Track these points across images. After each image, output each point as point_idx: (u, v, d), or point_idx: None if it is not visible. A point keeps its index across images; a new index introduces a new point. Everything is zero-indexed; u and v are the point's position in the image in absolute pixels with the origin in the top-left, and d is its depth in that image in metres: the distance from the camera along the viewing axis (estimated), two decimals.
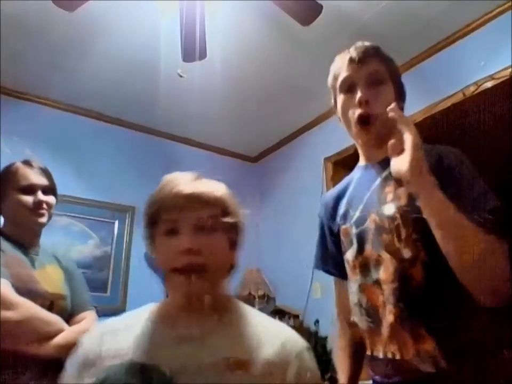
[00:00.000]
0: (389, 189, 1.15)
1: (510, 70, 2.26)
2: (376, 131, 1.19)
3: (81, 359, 0.90)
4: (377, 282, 1.12)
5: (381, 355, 1.11)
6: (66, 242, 2.88)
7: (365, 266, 1.16)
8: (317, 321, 3.09)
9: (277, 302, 3.53)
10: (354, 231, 1.20)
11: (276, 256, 3.62)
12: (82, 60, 2.75)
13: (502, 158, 2.81)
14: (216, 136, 3.74)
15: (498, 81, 2.31)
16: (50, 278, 1.57)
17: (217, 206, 0.92)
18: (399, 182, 1.08)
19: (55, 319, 1.44)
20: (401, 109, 1.22)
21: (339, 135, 3.21)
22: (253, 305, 3.45)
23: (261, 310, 3.52)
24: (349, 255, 1.22)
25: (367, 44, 1.28)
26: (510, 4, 2.32)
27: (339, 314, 1.39)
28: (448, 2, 2.34)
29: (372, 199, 1.18)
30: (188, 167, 3.53)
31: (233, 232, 0.96)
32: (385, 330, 1.10)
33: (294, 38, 2.58)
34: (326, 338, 3.01)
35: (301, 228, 3.44)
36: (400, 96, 1.25)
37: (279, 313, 3.38)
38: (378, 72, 1.21)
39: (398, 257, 1.09)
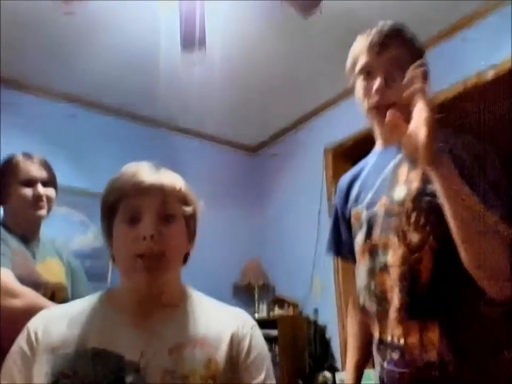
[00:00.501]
0: (402, 172, 1.13)
1: (511, 62, 2.26)
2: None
3: (28, 346, 0.87)
4: (385, 267, 1.11)
5: (389, 339, 1.10)
6: (66, 232, 2.89)
7: (373, 250, 1.15)
8: (316, 311, 3.11)
9: (277, 292, 3.55)
10: (365, 214, 1.19)
11: (277, 246, 3.63)
12: (82, 52, 2.73)
13: (502, 158, 2.80)
14: (217, 127, 3.73)
15: (500, 73, 2.30)
16: (51, 270, 1.58)
17: (178, 196, 0.93)
18: (412, 163, 1.07)
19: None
20: (425, 77, 1.15)
21: (339, 125, 3.25)
22: (253, 294, 3.48)
23: (260, 299, 3.57)
24: (359, 238, 1.21)
25: (389, 24, 1.20)
26: None
27: (353, 300, 1.38)
28: None
29: (384, 183, 1.17)
30: (188, 158, 3.58)
31: (191, 222, 0.98)
32: (392, 314, 1.09)
33: (294, 30, 2.57)
34: (325, 327, 3.04)
35: (301, 217, 3.45)
36: (424, 79, 1.17)
37: (278, 302, 3.41)
38: (399, 58, 1.15)
39: (405, 241, 1.07)
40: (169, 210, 0.91)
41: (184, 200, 0.95)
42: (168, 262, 0.90)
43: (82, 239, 3.00)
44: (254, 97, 3.30)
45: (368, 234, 1.17)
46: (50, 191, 1.63)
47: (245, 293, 3.54)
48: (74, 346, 0.85)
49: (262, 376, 0.92)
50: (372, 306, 1.17)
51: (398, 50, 1.16)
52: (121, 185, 0.92)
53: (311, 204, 3.35)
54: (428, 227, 1.05)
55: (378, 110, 1.16)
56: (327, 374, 2.85)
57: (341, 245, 1.36)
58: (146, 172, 0.92)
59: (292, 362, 3.03)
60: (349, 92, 3.14)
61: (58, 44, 2.68)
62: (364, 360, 1.33)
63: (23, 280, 1.43)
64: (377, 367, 1.16)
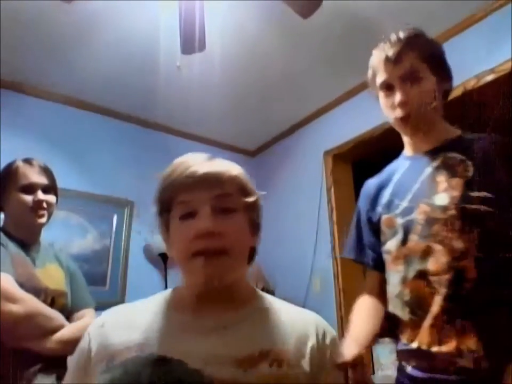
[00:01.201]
0: (441, 178, 1.14)
1: (510, 63, 2.25)
2: (416, 125, 1.22)
3: (87, 354, 0.83)
4: (422, 274, 1.11)
5: (420, 346, 1.10)
6: (65, 236, 2.87)
7: (408, 257, 1.15)
8: None
9: (276, 296, 3.53)
10: (399, 221, 1.19)
11: (276, 250, 3.62)
12: (81, 53, 2.73)
13: None
14: (215, 130, 3.73)
15: (499, 74, 2.30)
16: (51, 276, 1.58)
17: (235, 185, 0.87)
18: (452, 171, 1.11)
19: (56, 315, 1.45)
20: (448, 89, 1.26)
21: (339, 129, 3.24)
22: None
23: None
24: (391, 245, 1.21)
25: (404, 34, 1.24)
26: None
27: (369, 287, 1.34)
28: None
29: (422, 190, 1.17)
30: None
31: (253, 213, 0.90)
32: (427, 321, 1.09)
33: (294, 31, 2.57)
34: None
35: (300, 220, 3.44)
36: (442, 80, 1.24)
37: None
38: (415, 69, 1.20)
39: (449, 248, 1.08)
40: (228, 202, 0.84)
41: (243, 190, 0.88)
42: (230, 259, 0.82)
43: (82, 242, 2.98)
44: (253, 100, 3.29)
45: (404, 241, 1.17)
46: (50, 198, 1.62)
47: None
48: (135, 353, 0.78)
49: None
50: (404, 314, 1.16)
51: (413, 62, 1.20)
52: (174, 179, 0.84)
53: (311, 207, 3.34)
54: (472, 235, 1.06)
55: (403, 121, 1.22)
56: None
57: (363, 250, 1.36)
58: (199, 162, 0.86)
59: None
60: (349, 94, 3.17)
61: (58, 45, 2.67)
62: (373, 338, 1.25)
63: (23, 286, 1.42)
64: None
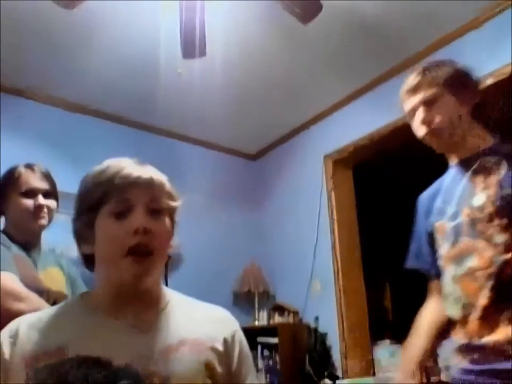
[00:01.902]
0: (478, 180, 1.27)
1: (510, 67, 2.26)
2: (443, 140, 1.37)
3: (2, 362, 0.81)
4: (470, 271, 1.22)
5: (472, 341, 1.20)
6: (65, 239, 2.86)
7: (458, 257, 1.27)
8: (316, 318, 3.09)
9: (276, 299, 3.54)
10: (449, 225, 1.31)
11: (276, 253, 3.62)
12: (81, 58, 2.74)
13: None
14: (216, 134, 3.73)
15: (499, 78, 2.31)
16: (53, 279, 1.60)
17: (164, 190, 0.91)
18: (487, 172, 1.24)
19: None
20: (478, 102, 1.40)
21: (339, 133, 3.25)
22: (252, 301, 3.47)
23: (260, 306, 3.55)
24: (444, 250, 1.32)
25: (422, 66, 1.46)
26: (510, 1, 2.32)
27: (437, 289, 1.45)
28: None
29: (464, 193, 1.30)
30: (187, 165, 3.57)
31: (173, 217, 0.95)
32: (476, 314, 1.19)
33: (294, 36, 2.58)
34: (325, 334, 3.02)
35: (301, 224, 3.45)
36: (465, 97, 1.38)
37: (278, 310, 3.39)
38: (431, 95, 1.37)
39: (491, 243, 1.19)
40: (158, 204, 0.89)
41: (170, 195, 0.92)
42: (157, 258, 0.87)
43: None
44: (253, 103, 3.30)
45: (454, 243, 1.29)
46: (51, 202, 1.65)
47: (244, 300, 3.52)
48: (57, 356, 0.80)
49: (253, 379, 0.96)
50: (456, 312, 1.27)
51: (428, 90, 1.38)
52: (107, 178, 0.87)
53: (311, 210, 3.35)
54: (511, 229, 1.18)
55: (426, 137, 1.40)
56: (328, 382, 2.83)
57: (420, 258, 1.47)
58: (133, 166, 0.90)
59: (292, 370, 3.01)
60: (349, 98, 3.18)
61: (59, 50, 2.68)
62: (432, 348, 1.45)
63: (27, 287, 1.44)
64: (450, 371, 1.28)
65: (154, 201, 0.88)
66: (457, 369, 1.25)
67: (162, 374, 0.81)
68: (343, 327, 2.91)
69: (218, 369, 0.87)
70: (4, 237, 1.55)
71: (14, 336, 0.84)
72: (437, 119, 1.35)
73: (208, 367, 0.86)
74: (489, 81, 2.32)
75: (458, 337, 1.26)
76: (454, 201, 1.32)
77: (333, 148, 3.29)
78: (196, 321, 0.92)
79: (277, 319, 3.33)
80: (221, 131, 3.68)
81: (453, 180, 1.39)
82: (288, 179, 3.69)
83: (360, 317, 3.01)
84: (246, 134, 3.75)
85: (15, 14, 2.36)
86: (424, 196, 1.51)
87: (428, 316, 1.45)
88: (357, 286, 3.09)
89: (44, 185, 1.63)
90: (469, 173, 1.32)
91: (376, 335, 3.05)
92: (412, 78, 1.44)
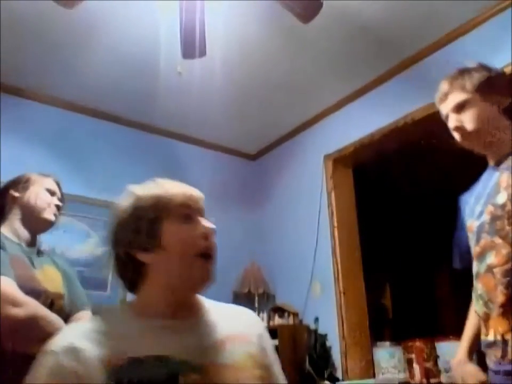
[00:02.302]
0: (503, 179, 1.31)
1: (510, 67, 2.26)
2: (478, 143, 1.42)
3: (73, 375, 0.83)
4: (489, 268, 1.27)
5: (493, 338, 1.24)
6: (66, 241, 2.88)
7: (480, 255, 1.31)
8: (316, 319, 3.09)
9: (276, 300, 3.53)
10: (476, 223, 1.36)
11: (276, 254, 3.62)
12: (82, 58, 2.74)
13: None
14: (216, 134, 3.73)
15: None
16: (50, 278, 1.60)
17: (203, 203, 1.04)
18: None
19: (55, 318, 1.46)
20: (504, 97, 1.42)
21: (339, 133, 3.25)
22: (252, 302, 3.46)
23: (260, 307, 3.54)
24: (473, 247, 1.37)
25: (451, 74, 1.49)
26: (510, 1, 2.32)
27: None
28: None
29: (490, 192, 1.35)
30: (188, 165, 3.55)
31: None
32: (496, 311, 1.23)
33: (294, 35, 2.58)
34: (325, 335, 3.02)
35: (301, 225, 3.44)
36: (495, 100, 1.41)
37: (278, 311, 3.39)
38: (461, 100, 1.42)
39: (508, 241, 1.22)
40: (204, 215, 1.02)
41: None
42: (214, 262, 0.98)
43: (83, 247, 2.99)
44: (253, 103, 3.30)
45: (478, 240, 1.34)
46: (59, 208, 1.77)
47: (244, 301, 3.52)
48: (123, 358, 0.85)
49: (280, 371, 1.08)
50: (479, 309, 1.32)
51: (459, 95, 1.43)
52: (173, 194, 0.99)
53: (311, 211, 3.35)
54: None
55: (461, 141, 1.45)
56: (328, 383, 2.83)
57: (463, 258, 1.49)
58: (184, 186, 1.03)
59: (292, 371, 3.00)
60: (349, 98, 3.18)
61: (58, 50, 2.68)
62: (473, 347, 1.49)
63: (24, 287, 1.43)
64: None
65: (202, 213, 1.01)
66: (489, 369, 1.29)
67: (217, 364, 0.90)
68: (343, 327, 2.91)
69: (261, 361, 0.98)
70: (2, 236, 1.55)
71: (74, 351, 0.86)
72: (469, 124, 1.40)
73: (254, 358, 0.97)
74: None
75: (483, 335, 1.30)
76: (482, 200, 1.37)
77: (333, 148, 3.28)
78: (232, 319, 1.03)
79: (277, 320, 3.32)
80: (220, 131, 3.68)
81: (485, 180, 1.43)
82: (288, 179, 3.69)
83: (360, 317, 3.01)
84: (246, 134, 3.75)
85: (15, 14, 2.36)
86: (464, 197, 1.55)
87: (471, 316, 1.50)
88: (357, 286, 3.09)
89: (58, 192, 1.78)
90: (498, 172, 1.36)
91: (376, 335, 3.05)
92: (442, 86, 1.49)
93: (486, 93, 1.42)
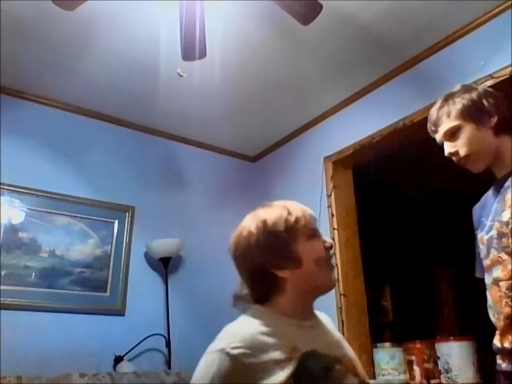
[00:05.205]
0: (508, 196, 1.36)
1: (509, 69, 2.26)
2: (478, 164, 1.47)
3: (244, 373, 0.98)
4: (496, 281, 1.35)
5: (504, 345, 1.31)
6: (66, 241, 2.88)
7: (489, 268, 1.39)
8: None
9: None
10: (485, 237, 1.42)
11: None
12: (81, 60, 2.74)
13: None
14: (216, 136, 3.73)
15: (498, 80, 2.31)
16: None
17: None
18: None
19: None
20: (496, 123, 1.45)
21: (339, 134, 3.25)
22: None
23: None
24: (483, 259, 1.44)
25: (438, 101, 1.55)
26: (509, 2, 2.32)
27: None
28: (448, 1, 2.34)
29: (497, 208, 1.40)
30: (187, 167, 3.57)
31: None
32: (505, 322, 1.31)
33: (294, 38, 2.58)
34: None
35: None
36: (483, 121, 1.46)
37: None
38: (449, 128, 1.48)
39: None
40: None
41: None
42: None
43: (83, 248, 2.98)
44: (253, 105, 3.30)
45: (487, 255, 1.40)
46: None
47: (245, 303, 3.51)
48: (294, 353, 1.02)
49: None
50: (491, 317, 1.39)
51: (448, 123, 1.48)
52: (302, 214, 1.20)
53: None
54: None
55: (460, 164, 1.50)
56: None
57: (482, 267, 1.53)
58: (300, 206, 1.25)
59: None
60: (348, 100, 3.18)
61: (58, 52, 2.68)
62: None
63: None
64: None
65: (318, 229, 1.21)
66: (499, 372, 1.36)
67: (346, 357, 1.13)
68: (343, 329, 2.90)
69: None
70: None
71: (250, 348, 1.01)
72: (462, 149, 1.45)
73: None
74: (489, 82, 2.32)
75: (495, 341, 1.37)
76: (491, 215, 1.42)
77: (332, 149, 3.28)
78: (327, 321, 1.26)
79: None
80: (220, 133, 3.68)
81: (492, 194, 1.48)
82: (288, 181, 3.68)
83: (360, 318, 3.00)
84: (246, 135, 3.75)
85: (15, 16, 2.37)
86: (475, 210, 1.60)
87: None
88: (357, 288, 3.09)
89: None
90: (503, 189, 1.41)
91: (376, 335, 3.04)
92: (430, 115, 1.55)
93: (472, 116, 1.46)
